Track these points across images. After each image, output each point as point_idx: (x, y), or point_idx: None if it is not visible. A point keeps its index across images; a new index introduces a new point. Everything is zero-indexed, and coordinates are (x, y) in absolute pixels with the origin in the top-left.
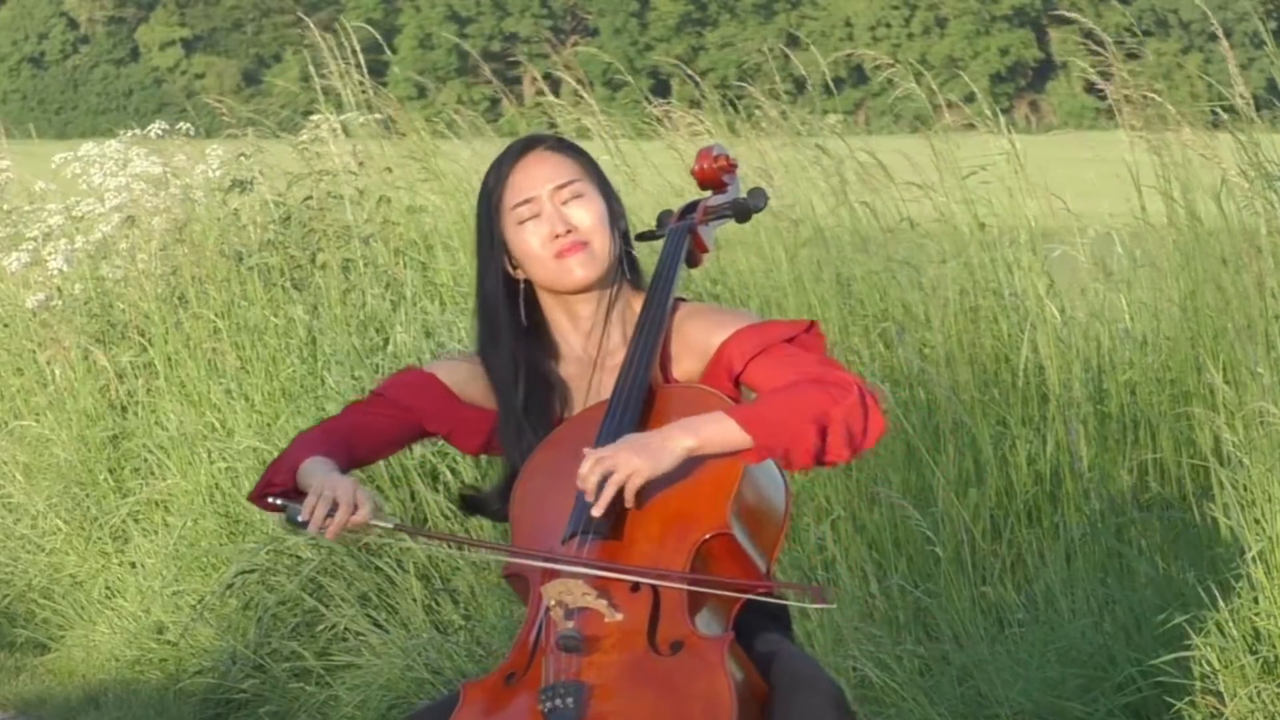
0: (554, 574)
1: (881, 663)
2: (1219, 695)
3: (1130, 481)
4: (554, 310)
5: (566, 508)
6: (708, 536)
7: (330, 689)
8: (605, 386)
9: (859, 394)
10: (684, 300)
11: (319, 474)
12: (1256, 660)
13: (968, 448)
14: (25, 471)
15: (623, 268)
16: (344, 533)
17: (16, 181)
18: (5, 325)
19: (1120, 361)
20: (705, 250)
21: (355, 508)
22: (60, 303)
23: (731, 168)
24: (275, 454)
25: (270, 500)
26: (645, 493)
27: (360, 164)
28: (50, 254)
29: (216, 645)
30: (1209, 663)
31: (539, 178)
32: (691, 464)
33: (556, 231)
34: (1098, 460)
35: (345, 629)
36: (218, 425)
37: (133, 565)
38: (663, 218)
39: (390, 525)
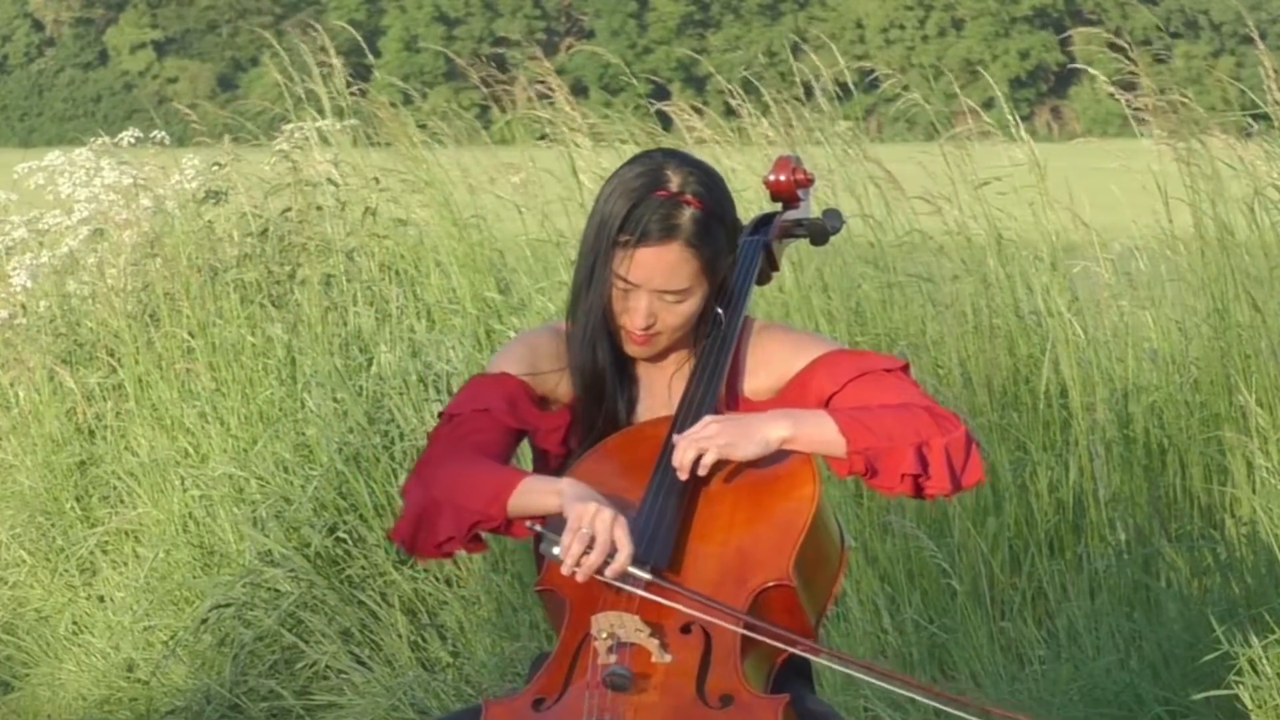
0: (603, 601)
1: (894, 702)
2: None
3: (1157, 510)
4: None
5: None
6: (769, 585)
7: None
8: (663, 400)
9: (965, 432)
10: (752, 318)
11: (574, 495)
12: None
13: (985, 474)
14: None
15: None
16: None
17: None
18: None
19: (1147, 383)
20: (776, 269)
21: (613, 550)
22: (24, 321)
23: (808, 182)
24: (251, 481)
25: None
26: (708, 516)
27: (344, 175)
28: (13, 269)
29: (190, 684)
30: (1241, 702)
31: (654, 277)
32: (760, 497)
33: (636, 322)
34: (1123, 488)
35: (326, 666)
36: (191, 450)
37: (101, 599)
38: None
39: (646, 576)
